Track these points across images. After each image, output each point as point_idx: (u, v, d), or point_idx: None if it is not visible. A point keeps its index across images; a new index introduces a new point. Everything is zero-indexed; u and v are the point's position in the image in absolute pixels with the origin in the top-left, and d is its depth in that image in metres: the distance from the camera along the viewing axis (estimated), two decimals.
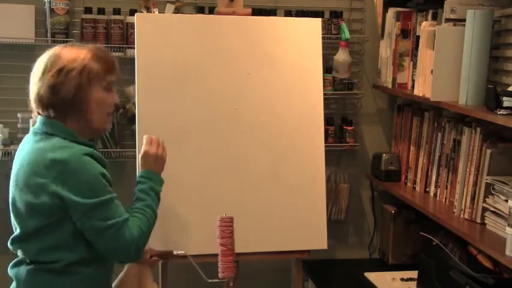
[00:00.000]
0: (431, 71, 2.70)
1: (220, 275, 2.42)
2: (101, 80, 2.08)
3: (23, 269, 2.05)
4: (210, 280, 2.43)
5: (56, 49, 2.09)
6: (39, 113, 2.10)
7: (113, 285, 2.28)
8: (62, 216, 1.99)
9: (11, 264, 2.12)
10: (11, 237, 2.10)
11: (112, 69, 2.13)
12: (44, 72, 2.04)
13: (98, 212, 1.97)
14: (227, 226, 2.42)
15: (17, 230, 2.08)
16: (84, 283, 2.05)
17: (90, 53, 2.07)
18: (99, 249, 2.04)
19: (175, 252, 2.47)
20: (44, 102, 2.04)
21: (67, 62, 2.03)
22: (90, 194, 1.96)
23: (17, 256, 2.12)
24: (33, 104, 2.09)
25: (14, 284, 2.09)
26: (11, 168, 2.17)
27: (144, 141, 2.30)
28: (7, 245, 2.11)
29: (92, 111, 2.07)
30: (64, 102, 2.03)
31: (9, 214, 2.12)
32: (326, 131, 3.21)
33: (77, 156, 1.97)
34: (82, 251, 2.03)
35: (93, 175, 1.97)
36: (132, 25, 3.01)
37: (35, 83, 2.06)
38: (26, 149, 2.07)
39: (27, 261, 2.05)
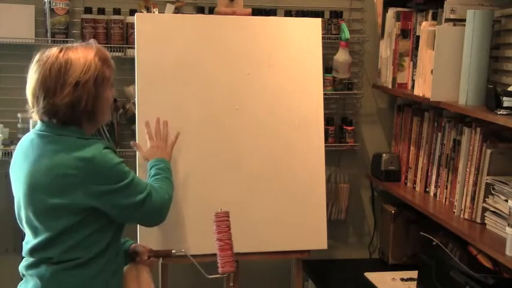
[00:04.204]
0: (431, 71, 2.70)
1: (219, 270, 2.42)
2: (109, 81, 2.14)
3: (44, 269, 2.07)
4: (210, 276, 2.43)
5: (60, 56, 2.05)
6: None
7: None
8: (89, 212, 2.05)
9: (26, 264, 2.12)
10: (29, 247, 2.09)
11: (113, 66, 2.17)
12: (57, 86, 2.01)
13: (130, 191, 2.11)
14: (223, 221, 2.43)
15: (37, 236, 2.07)
16: (101, 274, 2.10)
17: (97, 57, 2.08)
18: (135, 222, 2.38)
19: (174, 252, 2.48)
20: (61, 116, 2.04)
21: (81, 73, 2.03)
22: (119, 179, 2.08)
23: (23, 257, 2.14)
24: (43, 116, 2.06)
25: (33, 283, 2.09)
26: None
27: (146, 137, 2.62)
28: (9, 246, 2.13)
29: (102, 111, 2.13)
30: (83, 113, 2.06)
31: (11, 214, 2.12)
32: (326, 131, 3.21)
33: (99, 151, 2.05)
34: (99, 246, 2.10)
35: (116, 163, 2.08)
36: (132, 25, 3.01)
37: (47, 97, 2.02)
38: (35, 153, 2.06)
39: (53, 261, 2.07)
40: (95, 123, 2.14)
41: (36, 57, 2.08)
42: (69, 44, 2.14)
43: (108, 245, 2.11)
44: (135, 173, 2.66)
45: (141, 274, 2.33)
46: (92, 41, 2.18)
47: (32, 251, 2.09)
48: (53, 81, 2.02)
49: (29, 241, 2.10)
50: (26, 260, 2.12)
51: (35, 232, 2.08)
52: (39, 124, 2.11)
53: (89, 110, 2.06)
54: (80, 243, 2.06)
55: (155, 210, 2.21)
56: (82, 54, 2.07)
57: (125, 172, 2.10)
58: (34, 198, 2.05)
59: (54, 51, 2.07)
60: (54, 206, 2.02)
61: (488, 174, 2.51)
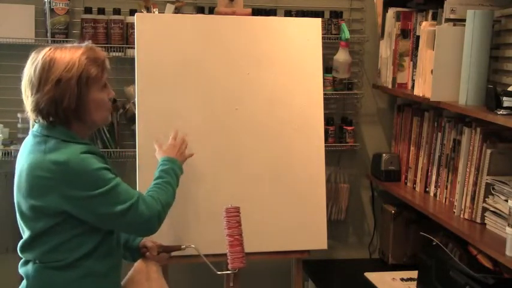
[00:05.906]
0: (431, 71, 2.70)
1: (229, 266, 2.40)
2: (98, 81, 2.08)
3: (30, 267, 2.08)
4: (219, 272, 2.42)
5: (46, 54, 2.05)
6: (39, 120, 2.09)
7: (122, 283, 2.29)
8: (67, 216, 2.02)
9: (20, 263, 2.14)
10: (19, 244, 2.11)
11: (105, 67, 2.12)
12: (40, 83, 2.01)
13: (109, 199, 2.02)
14: (233, 216, 2.40)
15: (25, 234, 2.09)
16: (89, 276, 2.08)
17: (84, 56, 2.05)
18: (122, 231, 2.20)
19: (183, 247, 2.43)
20: (45, 113, 2.03)
21: (63, 71, 2.01)
22: (95, 185, 2.00)
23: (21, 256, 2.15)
24: (31, 114, 2.07)
25: (24, 282, 2.11)
26: (11, 168, 2.18)
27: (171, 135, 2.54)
28: (9, 246, 2.13)
29: (93, 112, 2.08)
30: (66, 111, 2.03)
31: (11, 214, 2.12)
32: (326, 131, 3.21)
33: (76, 155, 1.99)
34: (84, 249, 2.06)
35: (94, 169, 2.00)
36: (132, 25, 3.01)
37: (32, 95, 2.03)
38: (26, 152, 2.08)
39: (36, 260, 2.08)
40: (85, 124, 2.09)
41: (30, 56, 2.09)
42: (62, 44, 2.13)
43: (95, 247, 2.07)
44: (135, 174, 2.67)
45: (151, 269, 2.31)
46: (87, 41, 2.16)
47: (20, 250, 2.11)
48: (37, 79, 2.02)
49: (21, 239, 2.12)
50: (21, 259, 2.15)
51: (23, 231, 2.10)
52: (35, 125, 2.12)
53: (72, 108, 2.02)
54: (60, 246, 2.04)
55: (142, 222, 2.09)
56: (68, 53, 2.05)
57: (105, 179, 2.01)
58: (18, 198, 2.06)
59: (44, 50, 2.07)
60: (32, 207, 2.02)
61: (488, 174, 2.50)
